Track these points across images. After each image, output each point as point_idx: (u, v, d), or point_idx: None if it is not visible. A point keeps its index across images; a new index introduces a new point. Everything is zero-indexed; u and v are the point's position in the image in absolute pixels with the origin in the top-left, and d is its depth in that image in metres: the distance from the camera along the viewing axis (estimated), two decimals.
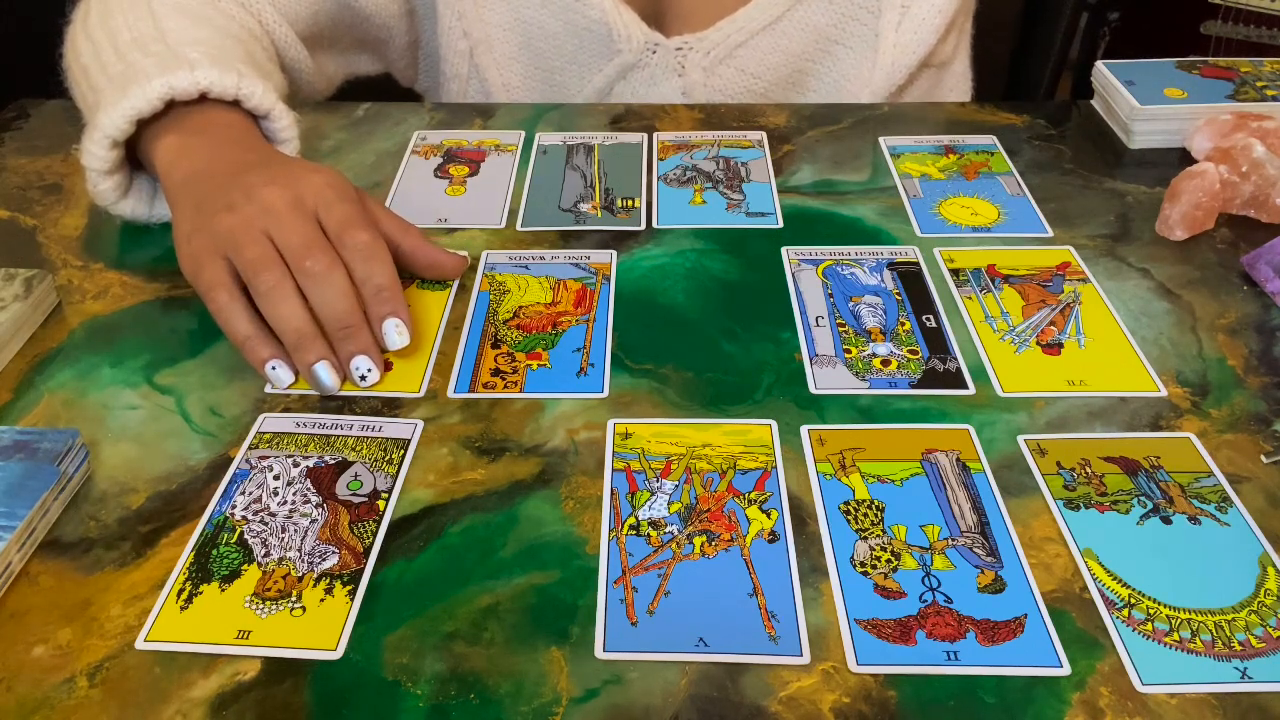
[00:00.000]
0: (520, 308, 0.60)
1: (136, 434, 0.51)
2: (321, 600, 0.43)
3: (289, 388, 0.54)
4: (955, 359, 0.56)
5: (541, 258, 0.64)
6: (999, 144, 0.76)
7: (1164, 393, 0.53)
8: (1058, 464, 0.49)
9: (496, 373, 0.55)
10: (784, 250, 0.64)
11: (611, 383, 0.54)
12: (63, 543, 0.46)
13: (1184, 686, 0.39)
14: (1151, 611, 0.42)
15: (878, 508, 0.47)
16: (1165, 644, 0.41)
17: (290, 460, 0.50)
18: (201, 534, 0.46)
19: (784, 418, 0.52)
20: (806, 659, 0.40)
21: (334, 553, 0.45)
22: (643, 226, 0.67)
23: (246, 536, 0.46)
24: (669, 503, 0.47)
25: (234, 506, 0.47)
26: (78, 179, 0.72)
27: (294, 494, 0.48)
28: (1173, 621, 0.42)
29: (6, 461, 0.47)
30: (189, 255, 0.55)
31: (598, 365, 0.55)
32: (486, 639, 0.41)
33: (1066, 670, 0.40)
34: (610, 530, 0.46)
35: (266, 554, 0.45)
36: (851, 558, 0.44)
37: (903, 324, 0.58)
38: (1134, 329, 0.58)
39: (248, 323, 0.53)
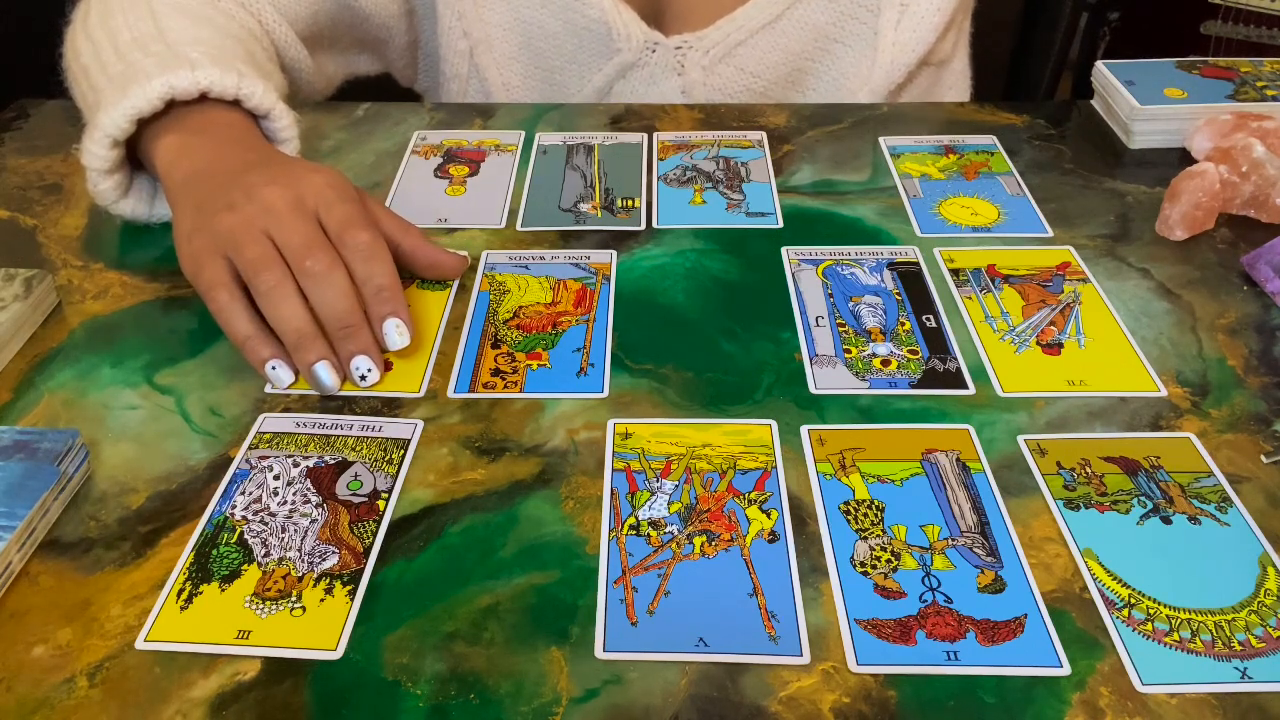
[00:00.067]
0: (520, 308, 0.60)
1: (136, 434, 0.51)
2: (321, 600, 0.43)
3: (289, 388, 0.54)
4: (955, 359, 0.56)
5: (541, 258, 0.64)
6: (999, 144, 0.76)
7: (1164, 393, 0.53)
8: (1058, 464, 0.49)
9: (496, 373, 0.55)
10: (784, 250, 0.64)
11: (611, 383, 0.54)
12: (63, 543, 0.46)
13: (1184, 686, 0.39)
14: (1151, 611, 0.42)
15: (878, 508, 0.47)
16: (1165, 644, 0.41)
17: (290, 460, 0.50)
18: (201, 534, 0.46)
19: (784, 418, 0.52)
20: (806, 659, 0.40)
21: (334, 553, 0.45)
22: (643, 226, 0.67)
23: (246, 536, 0.46)
24: (669, 503, 0.47)
25: (234, 506, 0.47)
26: (78, 179, 0.72)
27: (294, 494, 0.48)
28: (1173, 621, 0.42)
29: (6, 461, 0.47)
30: (189, 255, 0.55)
31: (598, 365, 0.55)
32: (486, 639, 0.41)
33: (1066, 670, 0.40)
34: (610, 530, 0.46)
35: (266, 554, 0.45)
36: (851, 558, 0.44)
37: (903, 324, 0.58)
38: (1134, 329, 0.58)
39: (248, 322, 0.53)
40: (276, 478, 0.49)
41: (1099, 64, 0.80)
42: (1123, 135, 0.76)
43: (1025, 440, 0.50)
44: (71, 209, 0.69)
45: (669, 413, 0.52)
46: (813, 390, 0.54)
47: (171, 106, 0.61)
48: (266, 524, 0.46)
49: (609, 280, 0.62)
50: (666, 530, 0.46)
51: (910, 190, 0.70)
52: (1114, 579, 0.43)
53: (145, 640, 0.41)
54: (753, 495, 0.47)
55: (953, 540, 0.45)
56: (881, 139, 0.76)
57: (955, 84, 0.91)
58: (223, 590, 0.43)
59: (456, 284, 0.62)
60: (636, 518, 0.46)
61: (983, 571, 0.44)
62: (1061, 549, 0.45)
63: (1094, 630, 0.41)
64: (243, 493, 0.48)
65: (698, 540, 0.45)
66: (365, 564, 0.44)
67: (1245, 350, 0.56)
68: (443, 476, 0.49)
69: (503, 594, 0.43)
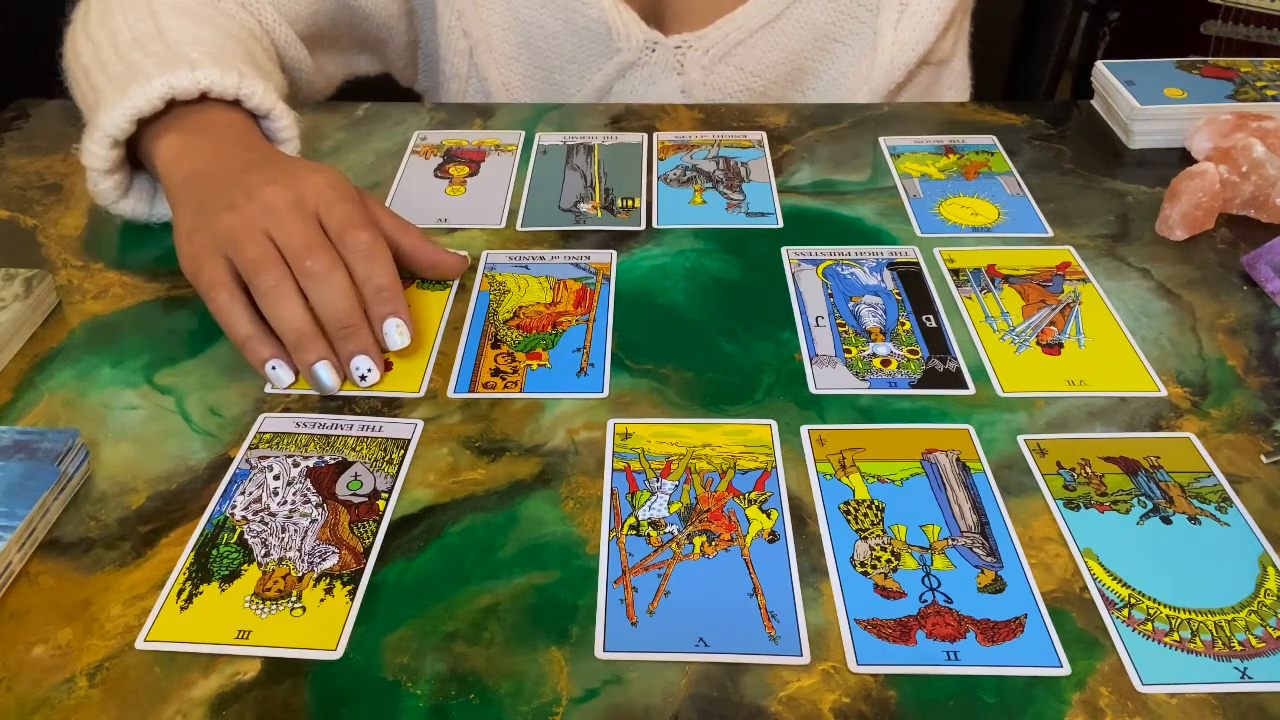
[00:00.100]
0: (520, 308, 0.60)
1: (136, 434, 0.51)
2: (321, 600, 0.43)
3: (289, 388, 0.54)
4: (955, 359, 0.56)
5: (541, 258, 0.64)
6: (999, 144, 0.76)
7: (1164, 393, 0.53)
8: (1058, 464, 0.49)
9: (496, 373, 0.55)
10: (784, 250, 0.64)
11: (611, 383, 0.54)
12: (63, 543, 0.46)
13: (1184, 686, 0.39)
14: (1151, 611, 0.42)
15: (878, 508, 0.47)
16: (1165, 644, 0.41)
17: (290, 460, 0.50)
18: (201, 534, 0.46)
19: (784, 418, 0.52)
20: (806, 659, 0.40)
21: (334, 553, 0.45)
22: (643, 226, 0.67)
23: (246, 536, 0.46)
24: (669, 503, 0.47)
25: (234, 506, 0.47)
26: (78, 179, 0.72)
27: (294, 494, 0.48)
28: (1173, 621, 0.42)
29: (6, 461, 0.47)
30: (189, 255, 0.55)
31: (598, 365, 0.55)
32: (486, 639, 0.41)
33: (1066, 670, 0.40)
34: (610, 530, 0.46)
35: (266, 554, 0.45)
36: (851, 558, 0.44)
37: (903, 324, 0.58)
38: (1134, 329, 0.58)
39: (248, 322, 0.53)
40: (276, 478, 0.49)
41: (1099, 64, 0.80)
42: (1123, 135, 0.76)
43: (1025, 440, 0.50)
44: (71, 209, 0.69)
45: (669, 413, 0.52)
46: (813, 390, 0.54)
47: (172, 106, 0.61)
48: (266, 524, 0.46)
49: (609, 280, 0.62)
50: (666, 530, 0.46)
51: (910, 190, 0.70)
52: (1114, 579, 0.43)
53: (145, 640, 0.41)
54: (753, 495, 0.47)
55: (953, 540, 0.45)
56: (881, 139, 0.76)
57: (955, 84, 0.91)
58: (223, 590, 0.43)
59: (456, 284, 0.62)
60: (636, 518, 0.46)
61: (983, 571, 0.44)
62: (1061, 549, 0.45)
63: (1094, 630, 0.41)
64: (243, 493, 0.48)
65: (698, 540, 0.45)
66: (365, 564, 0.44)
67: (1245, 350, 0.56)
68: (443, 476, 0.49)
69: (503, 594, 0.43)
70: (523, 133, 0.77)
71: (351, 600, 0.43)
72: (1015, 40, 1.12)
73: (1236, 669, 0.40)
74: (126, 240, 0.66)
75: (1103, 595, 0.43)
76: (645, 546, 0.45)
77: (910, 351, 0.56)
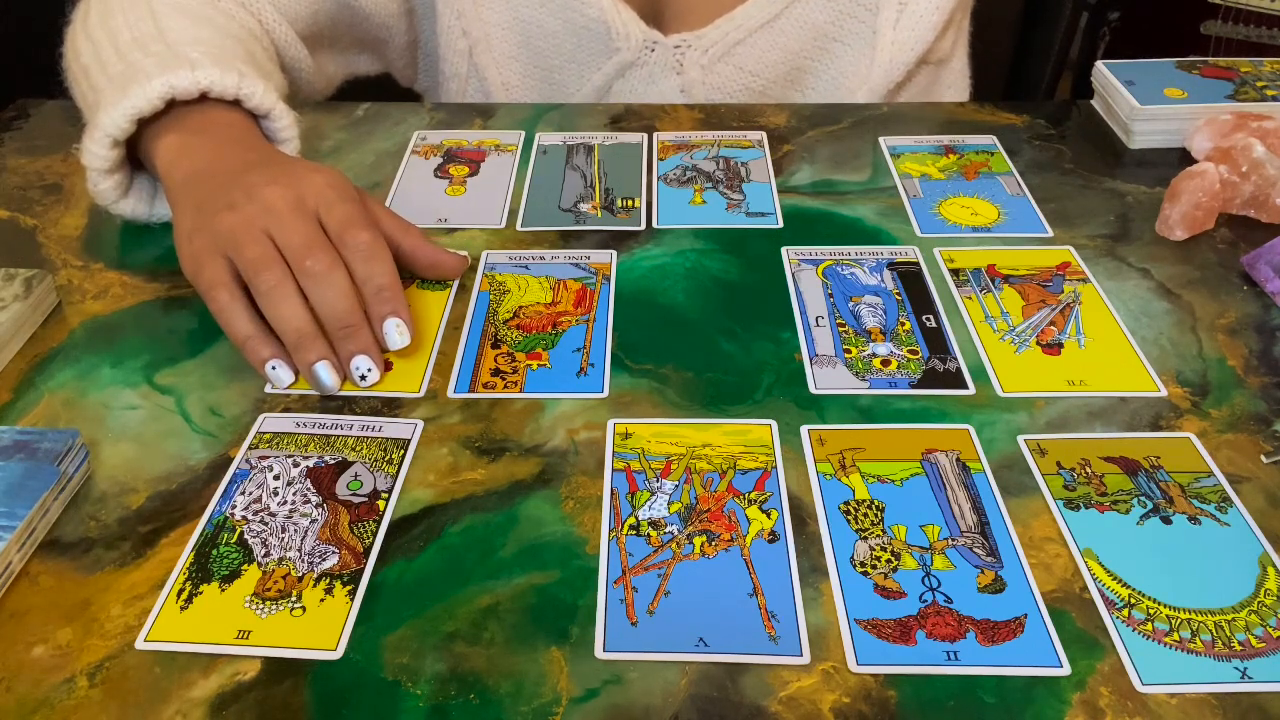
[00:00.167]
0: (520, 308, 0.60)
1: (136, 434, 0.51)
2: (321, 600, 0.43)
3: (289, 388, 0.54)
4: (955, 359, 0.56)
5: (541, 258, 0.64)
6: (999, 144, 0.76)
7: (1164, 393, 0.53)
8: (1058, 464, 0.49)
9: (496, 373, 0.55)
10: (784, 250, 0.64)
11: (611, 383, 0.54)
12: (63, 543, 0.46)
13: (1184, 686, 0.39)
14: (1151, 611, 0.42)
15: (878, 508, 0.47)
16: (1165, 644, 0.41)
17: (290, 460, 0.50)
18: (201, 534, 0.46)
19: (784, 418, 0.52)
20: (806, 659, 0.40)
21: (334, 553, 0.45)
22: (643, 226, 0.67)
23: (246, 536, 0.46)
24: (669, 503, 0.47)
25: (234, 506, 0.47)
26: (78, 179, 0.72)
27: (294, 494, 0.48)
28: (1173, 621, 0.42)
29: (6, 461, 0.47)
30: (190, 255, 0.55)
31: (598, 365, 0.55)
32: (486, 639, 0.41)
33: (1066, 670, 0.40)
34: (610, 530, 0.46)
35: (266, 554, 0.45)
36: (851, 558, 0.44)
37: (903, 324, 0.58)
38: (1134, 329, 0.58)
39: (248, 322, 0.53)
40: (276, 478, 0.49)
41: (1099, 64, 0.80)
42: (1123, 135, 0.76)
43: (1025, 440, 0.50)
44: (71, 209, 0.69)
45: (669, 413, 0.52)
46: (813, 390, 0.54)
47: (172, 106, 0.61)
48: (266, 524, 0.46)
49: (609, 280, 0.62)
50: (666, 530, 0.46)
51: (910, 190, 0.70)
52: (1114, 579, 0.43)
53: (145, 640, 0.41)
54: (753, 495, 0.47)
55: (953, 540, 0.45)
56: (881, 139, 0.76)
57: (954, 83, 0.91)
58: (223, 590, 0.43)
59: (456, 284, 0.62)
60: (636, 518, 0.46)
61: (983, 571, 0.44)
62: (1061, 549, 0.45)
63: (1094, 630, 0.41)
64: (243, 493, 0.48)
65: (698, 540, 0.45)
66: (365, 564, 0.44)
67: (1245, 350, 0.56)
68: (443, 476, 0.49)
69: (503, 594, 0.43)
70: (523, 133, 0.77)
71: (351, 600, 0.43)
72: (1015, 40, 1.12)
73: (1236, 669, 0.40)
74: (126, 240, 0.66)
75: (1103, 595, 0.43)
76: (645, 546, 0.45)
77: (910, 351, 0.56)
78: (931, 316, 0.59)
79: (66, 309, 0.60)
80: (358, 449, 0.50)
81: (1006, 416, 0.52)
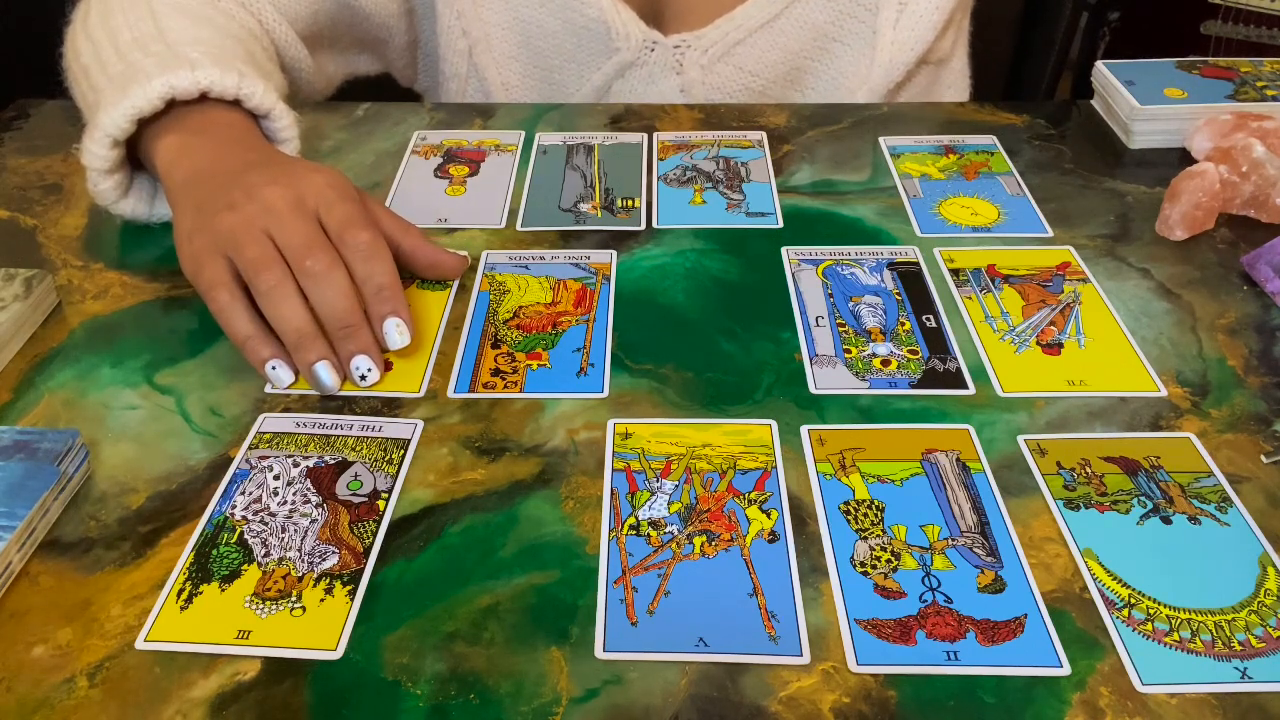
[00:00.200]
0: (520, 308, 0.60)
1: (136, 434, 0.51)
2: (321, 600, 0.43)
3: (289, 388, 0.54)
4: (955, 359, 0.56)
5: (541, 258, 0.64)
6: (999, 144, 0.76)
7: (1164, 393, 0.53)
8: (1058, 464, 0.49)
9: (496, 373, 0.55)
10: (784, 250, 0.64)
11: (611, 383, 0.54)
12: (63, 543, 0.46)
13: (1184, 686, 0.39)
14: (1151, 611, 0.42)
15: (878, 508, 0.47)
16: (1165, 644, 0.41)
17: (290, 460, 0.50)
18: (201, 534, 0.46)
19: (784, 418, 0.52)
20: (806, 659, 0.40)
21: (334, 553, 0.45)
22: (643, 226, 0.67)
23: (246, 536, 0.46)
24: (669, 503, 0.47)
25: (234, 506, 0.47)
26: (78, 179, 0.72)
27: (294, 494, 0.48)
28: (1173, 621, 0.42)
29: (6, 461, 0.47)
30: (190, 255, 0.55)
31: (598, 365, 0.55)
32: (486, 639, 0.41)
33: (1066, 670, 0.40)
34: (610, 530, 0.46)
35: (266, 554, 0.45)
36: (851, 558, 0.44)
37: (903, 324, 0.58)
38: (1134, 329, 0.58)
39: (248, 322, 0.53)
40: (276, 478, 0.49)
41: (1099, 64, 0.80)
42: (1123, 135, 0.76)
43: (1025, 440, 0.50)
44: (71, 209, 0.69)
45: (669, 413, 0.52)
46: (813, 390, 0.54)
47: (172, 106, 0.61)
48: (266, 524, 0.46)
49: (609, 280, 0.62)
50: (666, 530, 0.46)
51: (910, 190, 0.70)
52: (1114, 579, 0.43)
53: (145, 640, 0.41)
54: (753, 495, 0.47)
55: (953, 540, 0.45)
56: (881, 139, 0.76)
57: (954, 83, 0.91)
58: (223, 590, 0.43)
59: (456, 284, 0.62)
60: (636, 518, 0.46)
61: (983, 571, 0.44)
62: (1061, 549, 0.45)
63: (1094, 630, 0.41)
64: (243, 493, 0.48)
65: (698, 540, 0.45)
66: (365, 564, 0.44)
67: (1245, 350, 0.56)
68: (443, 476, 0.49)
69: (503, 594, 0.43)
70: (523, 133, 0.77)
71: (351, 600, 0.43)
72: (1015, 40, 1.12)
73: (1236, 669, 0.40)
74: (126, 240, 0.66)
75: (1103, 595, 0.43)
76: (645, 546, 0.45)
77: (910, 351, 0.56)
78: (931, 316, 0.59)
79: (66, 309, 0.60)
80: (358, 449, 0.50)
81: (1006, 416, 0.52)
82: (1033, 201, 0.69)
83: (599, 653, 0.41)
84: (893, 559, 0.44)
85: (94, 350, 0.57)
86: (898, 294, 0.60)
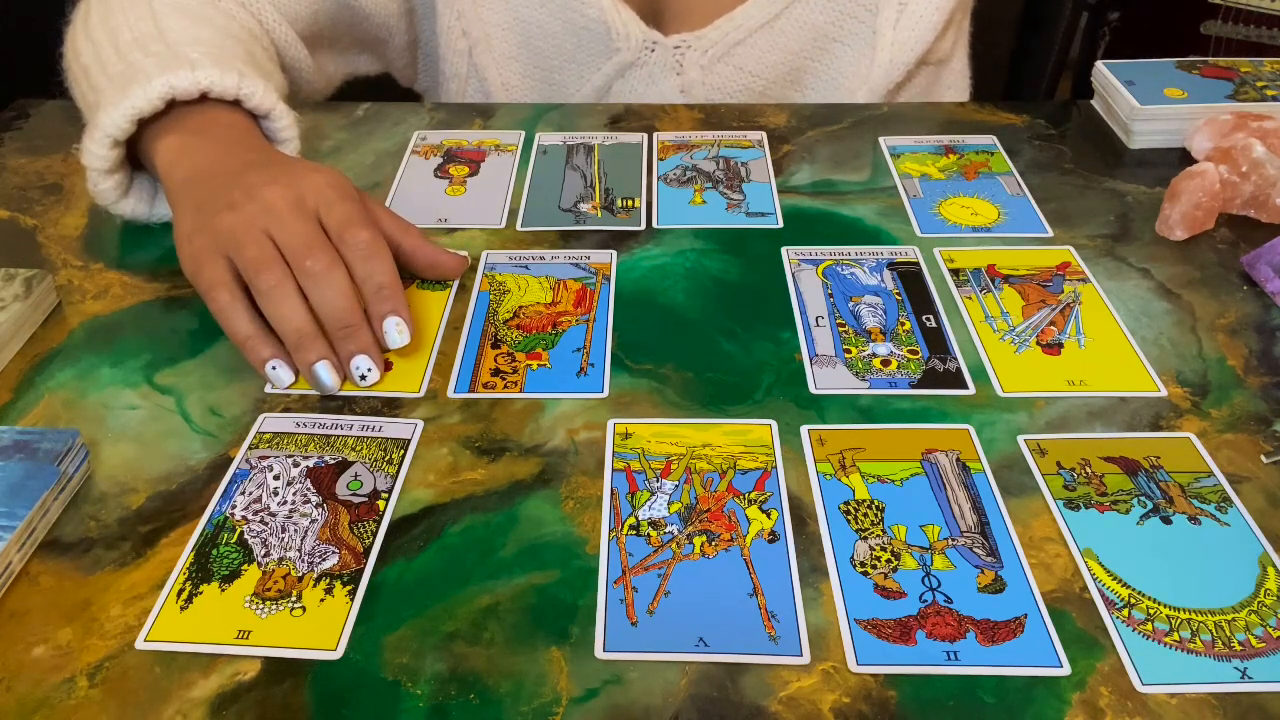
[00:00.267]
0: (520, 308, 0.60)
1: (136, 434, 0.51)
2: (321, 600, 0.43)
3: (289, 388, 0.54)
4: (955, 359, 0.56)
5: (541, 258, 0.64)
6: (999, 144, 0.76)
7: (1164, 393, 0.53)
8: (1058, 464, 0.49)
9: (496, 373, 0.55)
10: (784, 250, 0.64)
11: (611, 383, 0.54)
12: (63, 543, 0.46)
13: (1184, 686, 0.39)
14: (1151, 611, 0.42)
15: (878, 508, 0.47)
16: (1165, 644, 0.41)
17: (290, 460, 0.50)
18: (201, 534, 0.46)
19: (784, 418, 0.52)
20: (806, 659, 0.40)
21: (334, 553, 0.45)
22: (643, 226, 0.67)
23: (246, 536, 0.46)
24: (669, 503, 0.47)
25: (234, 506, 0.47)
26: (78, 179, 0.72)
27: (294, 494, 0.48)
28: (1173, 621, 0.42)
29: (6, 461, 0.47)
30: (190, 255, 0.55)
31: (598, 365, 0.55)
32: (486, 639, 0.41)
33: (1066, 670, 0.40)
34: (610, 530, 0.46)
35: (266, 554, 0.45)
36: (851, 558, 0.44)
37: (903, 324, 0.58)
38: (1134, 329, 0.58)
39: (248, 322, 0.53)
40: (276, 478, 0.49)
41: (1099, 64, 0.80)
42: (1123, 135, 0.76)
43: (1025, 440, 0.50)
44: (71, 209, 0.69)
45: (669, 413, 0.52)
46: (813, 390, 0.54)
47: (172, 106, 0.62)
48: (266, 524, 0.46)
49: (609, 280, 0.62)
50: (666, 530, 0.46)
51: (910, 190, 0.70)
52: (1114, 579, 0.43)
53: (145, 640, 0.41)
54: (753, 495, 0.47)
55: (953, 540, 0.45)
56: (881, 139, 0.76)
57: (954, 83, 0.91)
58: (223, 590, 0.43)
59: (456, 284, 0.62)
60: (636, 518, 0.46)
61: (983, 571, 0.44)
62: (1061, 549, 0.45)
63: (1094, 630, 0.41)
64: (243, 493, 0.48)
65: (698, 540, 0.45)
66: (365, 564, 0.44)
67: (1245, 350, 0.56)
68: (443, 476, 0.49)
69: (503, 594, 0.43)
70: (523, 133, 0.77)
71: (351, 600, 0.43)
72: (1015, 40, 1.12)
73: (1236, 669, 0.40)
74: (126, 240, 0.66)
75: (1103, 595, 0.43)
76: (645, 546, 0.45)
77: (910, 351, 0.56)
78: (931, 316, 0.59)
79: (66, 309, 0.60)
80: (358, 449, 0.50)
81: (1006, 416, 0.52)
82: (1033, 201, 0.69)
83: (599, 653, 0.41)
84: (893, 559, 0.44)
85: (94, 350, 0.57)
86: (898, 294, 0.60)
